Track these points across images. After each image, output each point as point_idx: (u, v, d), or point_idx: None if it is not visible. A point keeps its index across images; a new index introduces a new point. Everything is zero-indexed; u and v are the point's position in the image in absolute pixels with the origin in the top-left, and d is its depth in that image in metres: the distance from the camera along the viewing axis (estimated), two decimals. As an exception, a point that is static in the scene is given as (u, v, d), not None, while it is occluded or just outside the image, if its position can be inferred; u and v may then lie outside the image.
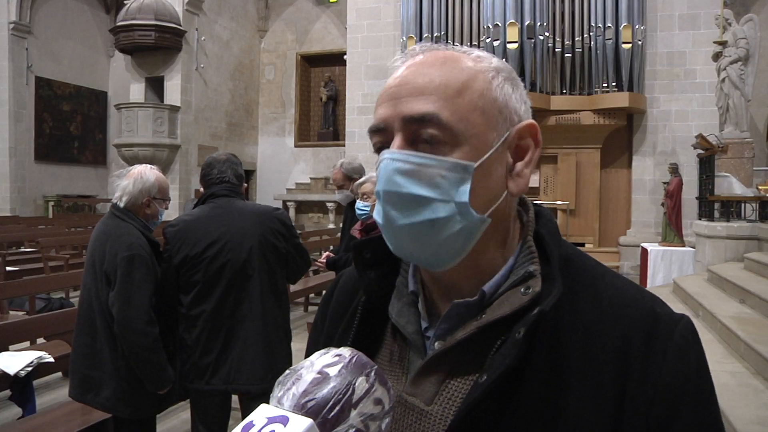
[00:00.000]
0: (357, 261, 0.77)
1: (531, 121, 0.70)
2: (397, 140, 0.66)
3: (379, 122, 0.68)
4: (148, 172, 2.63)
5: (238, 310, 2.49)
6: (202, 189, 2.69)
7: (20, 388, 3.16)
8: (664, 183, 8.80)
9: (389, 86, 0.69)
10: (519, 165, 0.70)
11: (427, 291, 0.75)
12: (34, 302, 5.24)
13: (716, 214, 7.09)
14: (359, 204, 3.18)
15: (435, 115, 0.64)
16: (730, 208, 7.01)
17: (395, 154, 0.65)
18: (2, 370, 3.08)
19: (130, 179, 2.59)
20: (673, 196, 7.90)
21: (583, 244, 9.80)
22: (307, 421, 0.56)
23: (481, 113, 0.66)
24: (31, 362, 3.18)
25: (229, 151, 2.82)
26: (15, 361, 3.17)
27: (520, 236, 0.73)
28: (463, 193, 0.64)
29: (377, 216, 0.68)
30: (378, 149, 0.69)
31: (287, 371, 0.63)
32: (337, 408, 0.58)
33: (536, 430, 0.63)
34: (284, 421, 0.56)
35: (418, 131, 0.65)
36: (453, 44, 0.73)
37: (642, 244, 8.65)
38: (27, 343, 4.08)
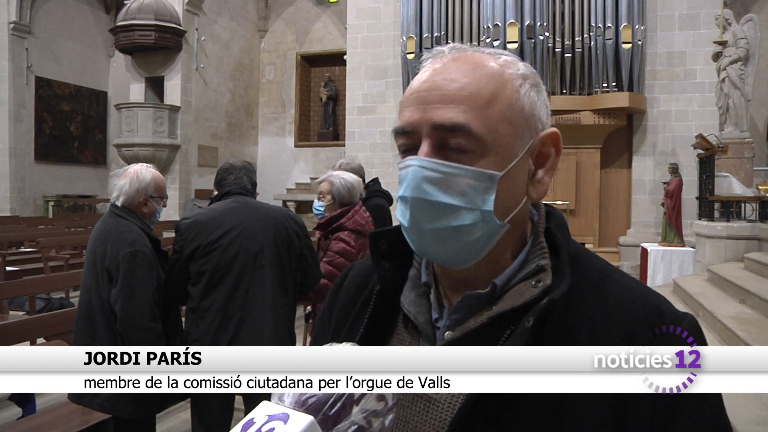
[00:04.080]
0: (373, 251, 0.79)
1: (554, 129, 0.73)
2: (425, 147, 0.67)
3: (407, 125, 0.69)
4: (144, 170, 2.63)
5: (249, 301, 2.48)
6: (215, 192, 2.73)
7: (20, 388, 3.15)
8: (664, 183, 8.80)
9: (417, 89, 0.69)
10: (540, 172, 0.72)
11: (440, 283, 0.77)
12: (34, 302, 5.23)
13: (716, 214, 7.09)
14: (316, 204, 3.09)
15: (466, 126, 0.66)
16: (730, 208, 7.00)
17: (424, 162, 0.66)
18: (2, 370, 3.08)
19: (126, 179, 2.59)
20: (673, 196, 7.90)
21: (583, 244, 9.74)
22: (308, 419, 0.56)
23: (509, 124, 0.68)
24: (31, 362, 3.18)
25: (244, 159, 2.87)
26: (15, 361, 3.17)
27: (531, 233, 0.75)
28: (489, 202, 0.67)
29: (402, 218, 0.70)
30: (403, 151, 0.70)
31: None
32: (339, 405, 0.58)
33: (543, 421, 0.64)
34: (285, 418, 0.56)
35: (446, 139, 0.67)
36: (474, 44, 0.74)
37: (642, 244, 8.65)
38: (27, 343, 4.08)
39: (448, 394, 0.69)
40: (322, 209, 3.05)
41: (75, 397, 2.54)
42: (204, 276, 2.47)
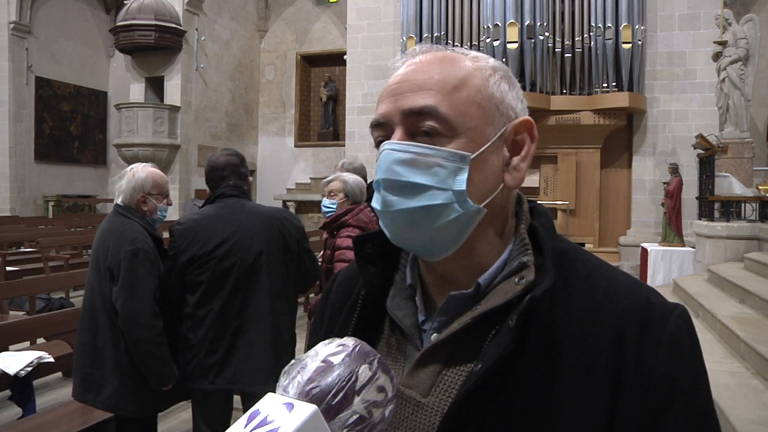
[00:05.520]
0: (358, 255, 0.79)
1: (527, 117, 0.73)
2: (398, 133, 0.69)
3: (380, 117, 0.71)
4: (141, 169, 2.66)
5: (246, 310, 2.48)
6: (208, 190, 2.70)
7: (20, 388, 3.16)
8: (664, 183, 8.80)
9: (390, 84, 0.72)
10: (515, 159, 0.72)
11: (425, 285, 0.76)
12: (34, 302, 5.24)
13: (716, 214, 7.09)
14: (325, 201, 3.09)
15: (434, 108, 0.67)
16: (730, 208, 7.01)
17: (395, 145, 0.68)
18: (2, 370, 3.09)
19: (124, 179, 2.63)
20: (673, 196, 7.90)
21: (583, 244, 9.80)
22: (311, 407, 0.57)
23: (478, 108, 0.69)
24: (31, 362, 3.18)
25: (230, 149, 2.78)
26: (15, 361, 3.18)
27: (514, 230, 0.75)
28: (461, 182, 0.67)
29: (376, 203, 0.70)
30: (378, 143, 0.71)
31: (293, 361, 0.64)
32: (341, 395, 0.59)
33: (531, 418, 0.63)
34: (289, 407, 0.58)
35: (417, 124, 0.68)
36: (453, 45, 0.75)
37: (642, 244, 8.66)
38: (27, 343, 4.08)
39: (436, 398, 0.69)
40: (334, 207, 3.04)
41: (78, 396, 2.55)
42: (200, 286, 2.47)
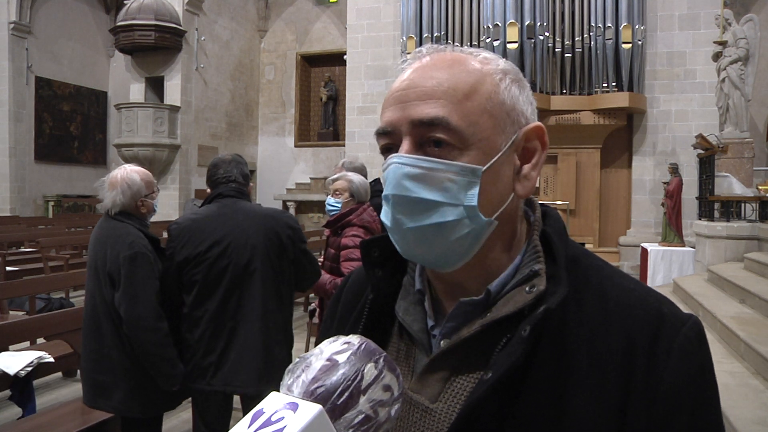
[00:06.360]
0: (365, 259, 0.78)
1: (538, 123, 0.70)
2: (406, 144, 0.66)
3: (387, 125, 0.68)
4: (130, 176, 2.59)
5: (240, 311, 2.48)
6: (208, 190, 2.68)
7: (20, 388, 3.16)
8: (664, 183, 8.80)
9: (396, 89, 0.69)
10: (526, 167, 0.70)
11: (434, 290, 0.75)
12: (34, 302, 5.23)
13: (716, 214, 7.09)
14: (330, 200, 3.10)
15: (444, 119, 0.64)
16: (730, 208, 7.01)
17: (404, 159, 0.65)
18: (2, 370, 3.08)
19: (116, 189, 2.56)
20: (673, 196, 7.90)
21: (583, 244, 9.69)
22: (316, 407, 0.56)
23: (490, 117, 0.67)
24: (31, 362, 3.18)
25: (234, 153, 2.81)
26: (15, 361, 3.17)
27: (527, 236, 0.73)
28: (472, 197, 0.65)
29: (385, 219, 0.68)
30: (384, 151, 0.69)
31: (297, 359, 0.63)
32: (346, 394, 0.58)
33: (540, 429, 0.63)
34: (294, 407, 0.56)
35: (426, 135, 0.65)
36: (456, 45, 0.73)
37: (642, 244, 8.65)
38: (27, 343, 4.08)
39: (445, 404, 0.68)
40: (338, 205, 3.06)
41: (89, 401, 2.55)
42: (195, 286, 2.47)
